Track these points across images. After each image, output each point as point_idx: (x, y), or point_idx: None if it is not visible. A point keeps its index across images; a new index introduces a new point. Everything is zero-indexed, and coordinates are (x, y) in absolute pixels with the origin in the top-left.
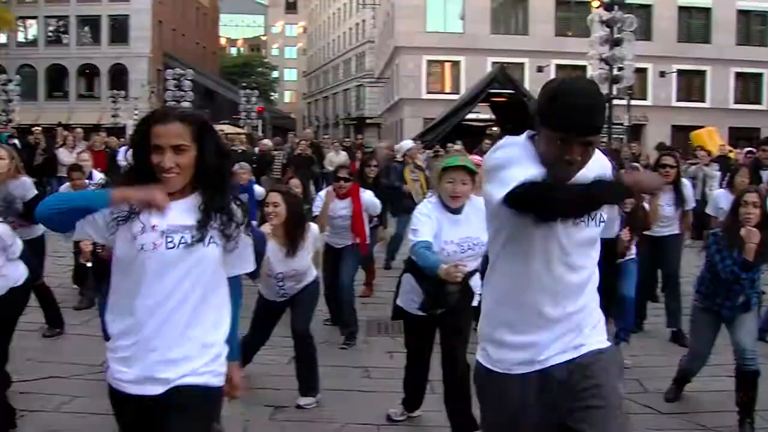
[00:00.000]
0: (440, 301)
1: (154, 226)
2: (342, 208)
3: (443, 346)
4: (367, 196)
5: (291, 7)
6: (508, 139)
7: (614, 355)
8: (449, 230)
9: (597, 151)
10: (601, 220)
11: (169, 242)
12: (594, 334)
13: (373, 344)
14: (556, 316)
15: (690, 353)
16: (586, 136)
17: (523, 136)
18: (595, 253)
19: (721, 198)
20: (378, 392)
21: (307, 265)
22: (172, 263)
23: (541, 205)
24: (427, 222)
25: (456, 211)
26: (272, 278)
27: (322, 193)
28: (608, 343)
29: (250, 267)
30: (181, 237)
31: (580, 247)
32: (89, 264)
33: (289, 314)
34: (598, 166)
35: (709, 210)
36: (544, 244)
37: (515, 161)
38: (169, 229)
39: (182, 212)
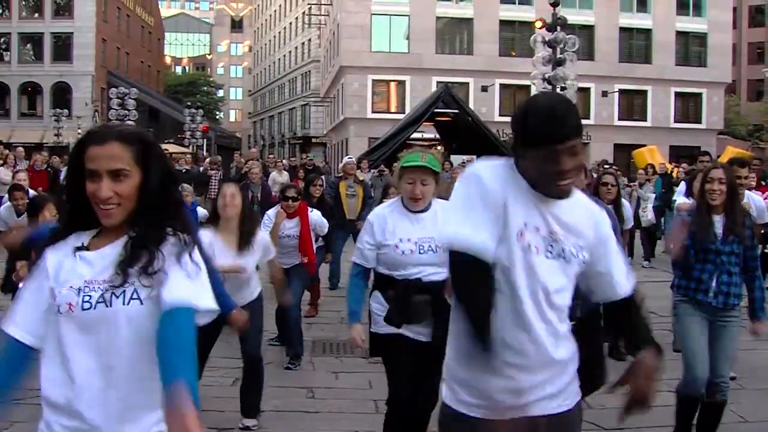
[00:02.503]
0: (403, 311)
1: (71, 286)
2: (290, 227)
3: (419, 370)
4: (315, 215)
5: (236, 26)
6: (486, 166)
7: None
8: (407, 228)
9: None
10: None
11: (86, 302)
12: None
13: (318, 364)
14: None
15: (685, 368)
16: (568, 141)
17: (506, 162)
18: None
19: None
20: (322, 413)
21: (251, 270)
22: (90, 326)
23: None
24: (369, 232)
25: (420, 210)
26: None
27: (271, 212)
28: None
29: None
30: (101, 294)
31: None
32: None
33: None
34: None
35: (678, 197)
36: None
37: (475, 205)
38: (86, 286)
39: (108, 260)
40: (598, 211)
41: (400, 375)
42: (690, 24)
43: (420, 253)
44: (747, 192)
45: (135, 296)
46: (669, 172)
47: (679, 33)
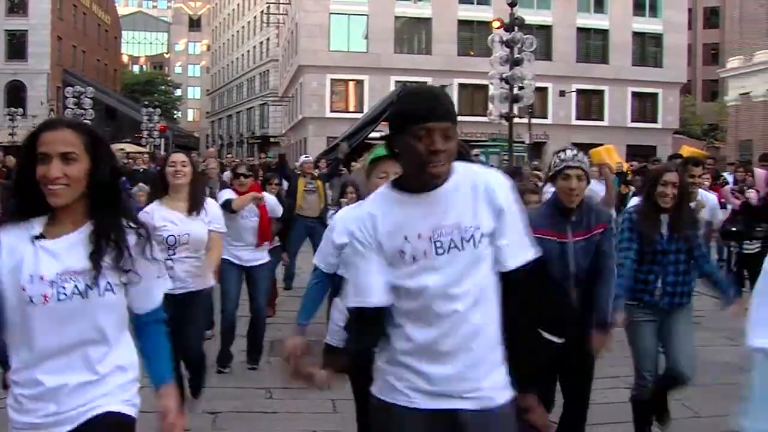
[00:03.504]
0: None
1: (42, 277)
2: (247, 208)
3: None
4: (270, 198)
5: (194, 25)
6: (343, 218)
7: None
8: None
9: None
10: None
11: (62, 293)
12: None
13: (275, 364)
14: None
15: (635, 371)
16: (441, 121)
17: (381, 190)
18: None
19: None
20: (281, 413)
21: (202, 237)
22: (66, 317)
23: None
24: (331, 235)
25: None
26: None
27: (224, 193)
28: None
29: (155, 303)
30: (75, 285)
31: None
32: None
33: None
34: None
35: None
36: None
37: (359, 258)
38: (59, 278)
39: (74, 251)
40: (487, 183)
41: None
42: (646, 25)
43: None
44: (700, 191)
45: (108, 287)
46: (625, 171)
47: (635, 34)
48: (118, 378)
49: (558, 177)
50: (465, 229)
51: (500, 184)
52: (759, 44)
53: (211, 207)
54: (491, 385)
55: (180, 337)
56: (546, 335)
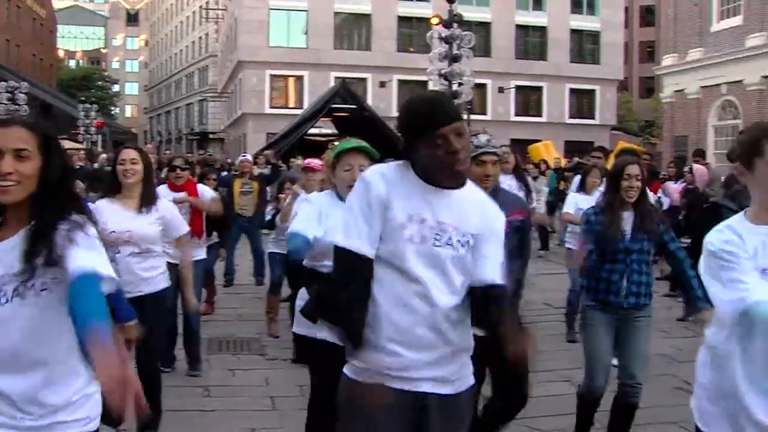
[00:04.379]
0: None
1: None
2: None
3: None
4: (202, 188)
5: (132, 20)
6: (374, 171)
7: None
8: None
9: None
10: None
11: (2, 296)
12: None
13: (214, 362)
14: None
15: (587, 374)
16: (453, 122)
17: (400, 163)
18: None
19: (577, 199)
20: (219, 411)
21: (146, 235)
22: (7, 318)
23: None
24: (306, 210)
25: None
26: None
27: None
28: None
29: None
30: (14, 288)
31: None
32: None
33: None
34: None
35: (568, 209)
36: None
37: (356, 213)
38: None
39: (14, 253)
40: (490, 205)
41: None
42: (584, 22)
43: None
44: None
45: (44, 287)
46: (563, 167)
47: (573, 31)
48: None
49: (472, 163)
50: (462, 233)
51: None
52: (693, 43)
53: (165, 205)
54: (459, 371)
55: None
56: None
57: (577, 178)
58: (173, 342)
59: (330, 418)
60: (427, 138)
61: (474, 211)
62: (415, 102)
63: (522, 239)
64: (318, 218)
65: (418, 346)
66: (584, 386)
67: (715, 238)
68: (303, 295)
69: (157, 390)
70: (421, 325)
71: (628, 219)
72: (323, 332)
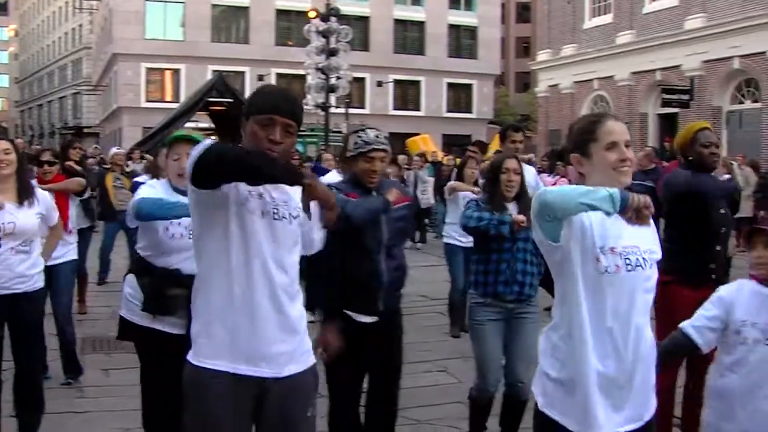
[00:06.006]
0: (160, 303)
1: None
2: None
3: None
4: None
5: (1, 9)
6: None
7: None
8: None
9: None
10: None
11: None
12: None
13: (87, 362)
14: None
15: (477, 374)
16: (288, 118)
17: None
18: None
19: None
20: (93, 412)
21: (30, 229)
22: None
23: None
24: (147, 191)
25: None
26: None
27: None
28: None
29: None
30: None
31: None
32: None
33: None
34: None
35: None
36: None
37: None
38: None
39: None
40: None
41: (157, 376)
42: (461, 18)
43: (190, 237)
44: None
45: None
46: (440, 160)
47: (451, 26)
48: None
49: (361, 158)
50: (293, 207)
51: None
52: (566, 39)
53: (42, 195)
54: (295, 351)
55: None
56: (357, 317)
57: (455, 172)
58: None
59: (162, 406)
60: (259, 116)
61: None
62: (268, 87)
63: (404, 228)
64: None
65: (256, 327)
66: (476, 388)
67: None
68: (131, 283)
69: (40, 393)
70: (265, 300)
71: (512, 210)
72: (151, 322)
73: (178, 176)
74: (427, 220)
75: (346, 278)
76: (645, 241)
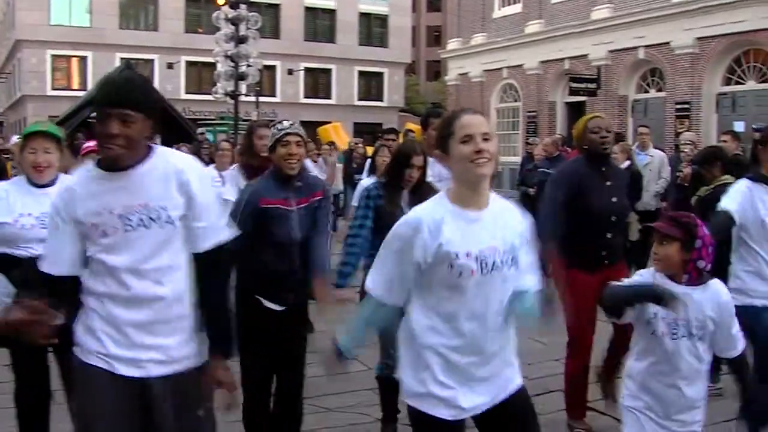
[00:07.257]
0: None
1: None
2: None
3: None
4: None
5: None
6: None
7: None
8: (30, 203)
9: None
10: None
11: None
12: None
13: None
14: None
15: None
16: (122, 107)
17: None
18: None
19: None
20: None
21: None
22: None
23: None
24: None
25: (46, 184)
26: None
27: None
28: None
29: None
30: None
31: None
32: None
33: None
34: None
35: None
36: None
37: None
38: None
39: None
40: (181, 171)
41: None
42: (372, 6)
43: (42, 228)
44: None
45: None
46: (351, 148)
47: (362, 14)
48: None
49: (278, 145)
50: (152, 209)
51: (193, 172)
52: (476, 28)
53: None
54: (181, 349)
55: None
56: (266, 303)
57: (368, 163)
58: None
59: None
60: (97, 113)
61: (158, 185)
62: (104, 78)
63: (322, 218)
64: (5, 204)
65: (136, 329)
66: (378, 365)
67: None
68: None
69: None
70: (136, 310)
71: (404, 198)
72: None
73: (33, 169)
74: (333, 208)
75: (260, 268)
76: (503, 242)
